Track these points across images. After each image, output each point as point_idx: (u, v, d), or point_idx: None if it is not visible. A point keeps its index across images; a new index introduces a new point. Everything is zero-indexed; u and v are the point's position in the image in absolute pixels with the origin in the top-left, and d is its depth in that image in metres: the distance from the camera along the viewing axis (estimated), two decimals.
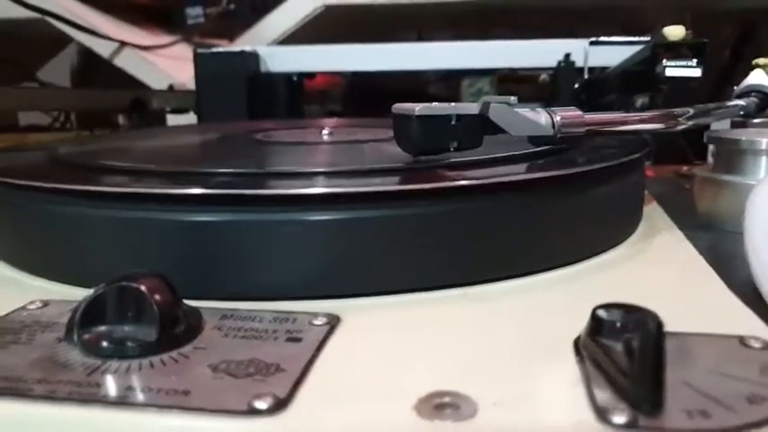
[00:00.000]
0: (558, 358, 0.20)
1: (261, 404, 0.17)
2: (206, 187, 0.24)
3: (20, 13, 0.73)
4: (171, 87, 0.73)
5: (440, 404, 0.17)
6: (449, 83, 0.74)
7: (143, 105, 0.66)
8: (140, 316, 0.20)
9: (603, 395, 0.17)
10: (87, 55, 0.87)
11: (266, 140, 0.41)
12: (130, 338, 0.20)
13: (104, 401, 0.17)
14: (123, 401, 0.17)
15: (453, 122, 0.27)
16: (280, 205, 0.24)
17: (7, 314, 0.23)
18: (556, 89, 0.58)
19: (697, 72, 0.35)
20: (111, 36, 0.75)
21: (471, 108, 0.27)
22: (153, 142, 0.45)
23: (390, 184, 0.25)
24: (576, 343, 0.20)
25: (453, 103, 0.27)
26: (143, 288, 0.20)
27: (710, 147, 0.42)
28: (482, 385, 0.18)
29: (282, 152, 0.38)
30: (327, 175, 0.27)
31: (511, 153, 0.30)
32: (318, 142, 0.39)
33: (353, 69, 0.66)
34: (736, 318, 0.23)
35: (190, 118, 0.69)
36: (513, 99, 0.27)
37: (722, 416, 0.16)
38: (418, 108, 0.26)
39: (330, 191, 0.24)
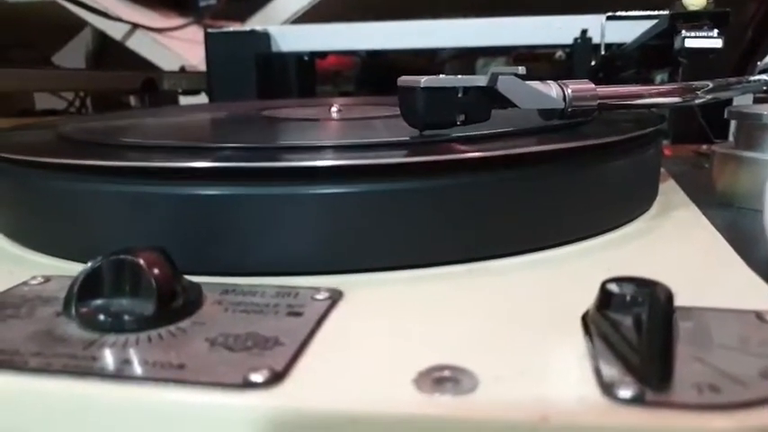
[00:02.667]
0: (565, 333, 0.19)
1: (257, 377, 0.17)
2: (208, 161, 0.24)
3: None
4: (182, 69, 0.72)
5: (440, 378, 0.17)
6: (463, 63, 0.73)
7: (155, 87, 0.66)
8: (138, 289, 0.20)
9: (610, 370, 0.17)
10: (101, 39, 0.88)
11: (272, 117, 0.41)
12: (128, 312, 0.19)
13: (99, 374, 0.17)
14: (118, 375, 0.17)
15: (460, 95, 0.26)
16: (282, 179, 0.23)
17: (8, 289, 0.23)
18: (572, 67, 0.56)
19: (718, 43, 0.33)
20: (123, 18, 0.75)
21: (479, 80, 0.26)
22: (156, 120, 0.45)
23: (394, 158, 0.24)
24: (585, 318, 0.20)
25: (460, 75, 0.26)
26: (141, 261, 0.20)
27: (732, 123, 0.41)
28: (484, 359, 0.18)
29: (287, 128, 0.38)
30: (330, 148, 0.27)
31: (520, 127, 0.29)
32: (324, 118, 0.39)
33: (365, 48, 0.65)
34: (754, 293, 0.22)
35: (201, 99, 0.68)
36: (521, 69, 0.26)
37: (733, 391, 0.16)
38: (424, 80, 0.26)
39: (332, 163, 0.24)
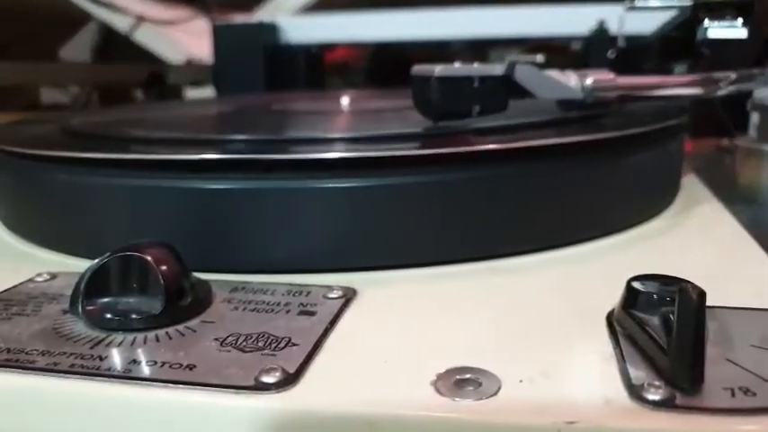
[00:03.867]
0: (590, 333, 0.19)
1: (268, 379, 0.16)
2: (217, 153, 0.23)
3: None
4: (189, 62, 0.72)
5: (460, 380, 0.16)
6: (476, 54, 0.72)
7: (161, 80, 0.65)
8: (145, 287, 0.19)
9: (638, 371, 0.16)
10: (107, 33, 0.87)
11: (282, 109, 0.40)
12: (135, 310, 0.19)
13: (107, 375, 0.17)
14: (126, 375, 0.17)
15: (476, 85, 0.25)
16: (293, 172, 0.23)
17: (14, 286, 0.23)
18: (588, 59, 0.55)
19: (743, 33, 0.32)
20: (129, 11, 0.74)
21: (495, 69, 0.26)
22: (164, 113, 0.44)
23: (409, 149, 0.24)
24: (609, 317, 0.19)
25: (476, 64, 0.26)
26: (149, 258, 0.19)
27: (753, 116, 0.40)
28: (507, 361, 0.17)
29: (298, 120, 0.37)
30: (342, 140, 0.26)
31: (539, 118, 0.28)
32: (335, 111, 0.38)
33: (375, 39, 0.64)
34: None
35: (208, 92, 0.68)
36: (539, 57, 0.26)
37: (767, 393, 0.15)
38: (438, 69, 0.25)
39: (344, 156, 0.23)
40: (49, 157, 0.26)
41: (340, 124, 0.34)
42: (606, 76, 0.28)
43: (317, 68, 0.66)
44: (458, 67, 0.26)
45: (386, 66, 0.77)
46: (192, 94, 0.72)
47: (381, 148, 0.23)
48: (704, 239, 0.28)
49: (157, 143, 0.27)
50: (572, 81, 0.27)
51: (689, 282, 0.17)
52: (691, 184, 0.36)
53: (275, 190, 0.23)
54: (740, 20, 0.32)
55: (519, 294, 0.22)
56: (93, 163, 0.24)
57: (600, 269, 0.24)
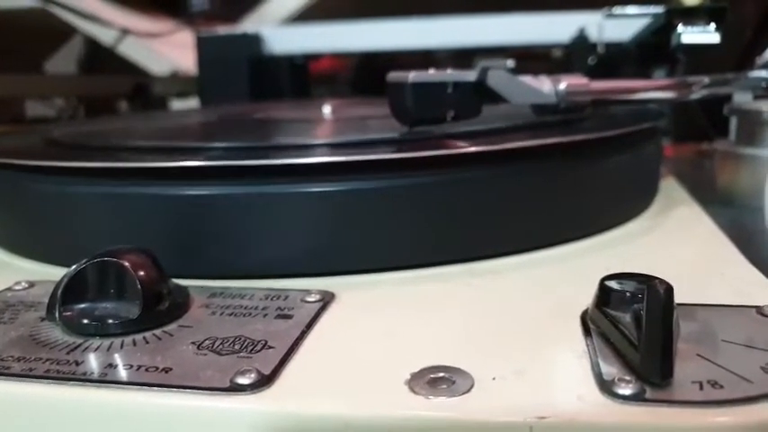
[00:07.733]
0: (564, 332, 0.19)
1: (243, 380, 0.16)
2: (192, 160, 0.24)
3: (23, 2, 0.73)
4: (175, 73, 0.72)
5: (434, 379, 0.16)
6: (461, 63, 0.72)
7: (146, 92, 0.65)
8: (123, 292, 0.19)
9: (609, 367, 0.16)
10: (92, 46, 0.87)
11: (260, 117, 0.40)
12: (112, 316, 0.19)
13: (83, 379, 0.17)
14: (102, 379, 0.17)
15: (450, 90, 0.26)
16: (269, 177, 0.23)
17: None
18: (570, 66, 0.56)
19: (715, 38, 0.33)
20: (114, 24, 0.74)
21: (469, 75, 0.26)
22: (141, 123, 0.44)
23: (381, 154, 0.24)
24: (584, 316, 0.19)
25: (450, 70, 0.26)
26: (126, 263, 0.19)
27: (732, 120, 0.41)
28: (480, 359, 0.17)
29: (275, 127, 0.38)
30: (316, 146, 0.26)
31: (513, 122, 0.28)
32: (313, 118, 0.38)
33: (359, 49, 0.64)
34: (756, 289, 0.22)
35: (193, 103, 0.68)
36: (509, 63, 0.26)
37: (735, 386, 0.15)
38: (412, 75, 0.25)
39: (319, 161, 0.23)
40: (25, 167, 0.26)
41: (318, 131, 0.34)
42: (579, 80, 0.29)
43: (303, 79, 0.66)
44: (431, 74, 0.26)
45: (371, 75, 0.77)
46: (178, 105, 0.72)
47: (357, 153, 0.24)
48: (681, 240, 0.28)
49: (133, 151, 0.27)
50: (545, 86, 0.28)
51: (658, 278, 0.17)
52: (670, 188, 0.36)
53: (252, 195, 0.23)
54: (713, 25, 0.32)
55: (496, 295, 0.22)
56: (69, 171, 0.24)
57: (577, 270, 0.24)
